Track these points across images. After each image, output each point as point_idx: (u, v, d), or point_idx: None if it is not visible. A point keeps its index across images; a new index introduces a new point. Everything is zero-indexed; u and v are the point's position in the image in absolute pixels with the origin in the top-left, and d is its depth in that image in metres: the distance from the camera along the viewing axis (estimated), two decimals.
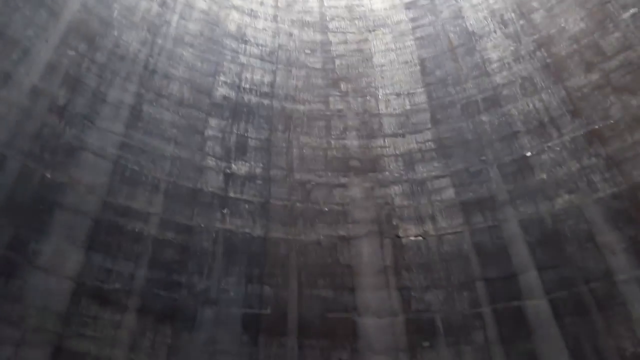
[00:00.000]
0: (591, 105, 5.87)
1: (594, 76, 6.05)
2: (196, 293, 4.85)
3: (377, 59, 7.95)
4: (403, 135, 6.91)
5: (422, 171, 6.43)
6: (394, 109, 7.27)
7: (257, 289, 5.13)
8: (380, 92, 7.51)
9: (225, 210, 5.60)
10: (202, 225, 5.36)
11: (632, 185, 5.10)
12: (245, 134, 6.48)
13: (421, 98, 7.26)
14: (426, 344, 4.93)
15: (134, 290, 4.55)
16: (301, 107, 7.16)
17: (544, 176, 5.69)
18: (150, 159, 5.52)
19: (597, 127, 5.67)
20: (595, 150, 5.54)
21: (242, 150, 6.28)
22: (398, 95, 7.42)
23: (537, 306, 4.86)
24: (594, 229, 5.06)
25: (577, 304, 4.72)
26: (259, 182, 6.05)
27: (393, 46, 8.04)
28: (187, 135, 6.00)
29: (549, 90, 6.32)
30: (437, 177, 6.30)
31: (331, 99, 7.38)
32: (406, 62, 7.74)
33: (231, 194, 5.79)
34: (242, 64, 7.27)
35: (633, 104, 5.53)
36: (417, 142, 6.79)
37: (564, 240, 5.15)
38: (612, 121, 5.60)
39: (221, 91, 6.76)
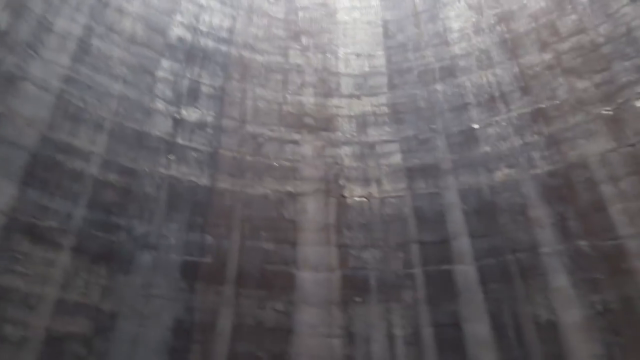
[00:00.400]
0: (541, 84, 6.05)
1: (547, 56, 6.21)
2: (135, 237, 4.82)
3: (341, 16, 7.83)
4: (359, 97, 6.93)
5: (373, 134, 6.51)
6: (353, 70, 7.24)
7: (199, 237, 5.15)
8: (341, 51, 7.44)
9: (171, 157, 5.52)
10: (147, 170, 5.28)
11: (567, 165, 5.35)
12: (199, 80, 6.32)
13: (380, 61, 7.26)
14: (359, 299, 5.14)
15: (70, 229, 4.47)
16: (259, 58, 7.02)
17: (488, 149, 5.89)
18: (96, 96, 5.32)
19: (543, 106, 5.87)
20: (539, 128, 5.75)
21: (193, 96, 6.14)
22: (358, 55, 7.38)
23: (466, 271, 5.13)
24: (527, 203, 5.32)
25: (503, 272, 5.01)
26: (209, 130, 5.97)
27: (358, 4, 7.93)
28: (136, 74, 5.79)
29: (504, 66, 6.45)
30: (387, 142, 6.40)
31: (291, 52, 7.26)
32: (369, 23, 7.67)
33: (179, 140, 5.69)
34: (200, 5, 7.00)
35: (579, 87, 5.73)
36: (372, 105, 6.82)
37: (498, 211, 5.41)
38: (557, 101, 5.80)
39: (176, 32, 6.53)
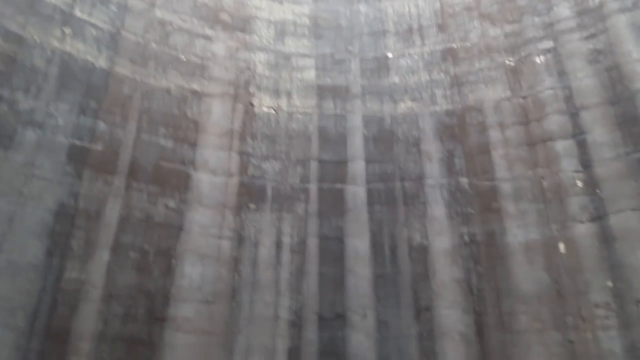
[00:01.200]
0: (457, 24, 6.23)
1: None
2: (18, 111, 4.39)
3: None
4: (281, 2, 6.64)
5: (290, 45, 6.36)
6: None
7: (91, 122, 4.83)
8: None
9: (67, 30, 4.98)
10: (37, 40, 4.73)
11: (465, 107, 5.71)
12: None
13: None
14: (253, 206, 5.26)
15: None
16: None
17: (397, 80, 6.06)
18: None
19: (455, 46, 6.09)
20: (446, 67, 6.00)
21: None
22: None
23: (356, 192, 5.43)
24: (422, 137, 5.66)
25: (388, 196, 5.39)
26: (112, 7, 5.42)
27: None
28: None
29: None
30: (303, 56, 6.30)
31: None
32: None
33: (77, 13, 5.11)
34: None
35: (490, 34, 5.99)
36: (293, 14, 6.60)
37: (395, 141, 5.70)
38: (468, 44, 6.04)
39: None
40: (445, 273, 4.90)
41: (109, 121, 4.95)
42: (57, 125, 4.59)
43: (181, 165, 5.19)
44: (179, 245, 4.77)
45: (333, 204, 5.37)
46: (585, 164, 4.79)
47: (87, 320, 4.09)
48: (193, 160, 5.28)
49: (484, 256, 4.88)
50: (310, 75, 6.18)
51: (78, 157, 4.61)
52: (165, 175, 5.05)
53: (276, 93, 6.00)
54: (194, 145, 5.36)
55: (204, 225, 4.95)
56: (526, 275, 4.62)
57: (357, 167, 5.55)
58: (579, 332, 4.26)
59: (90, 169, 4.65)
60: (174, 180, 5.07)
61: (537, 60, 5.53)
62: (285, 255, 5.06)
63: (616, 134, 4.75)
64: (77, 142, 4.66)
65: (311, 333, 4.72)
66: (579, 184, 4.74)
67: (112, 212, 4.59)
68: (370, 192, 5.41)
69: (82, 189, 4.51)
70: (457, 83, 5.82)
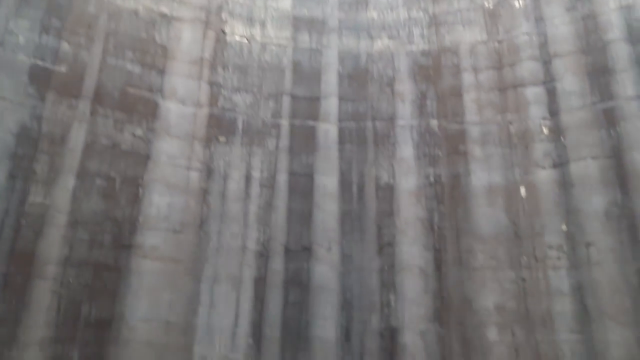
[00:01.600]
0: None
1: None
2: None
3: None
4: None
5: None
6: None
7: (54, 42, 4.59)
8: None
9: None
10: None
11: (440, 48, 5.66)
12: None
13: None
14: (223, 139, 5.20)
15: None
16: None
17: (375, 16, 5.92)
18: None
19: None
20: (425, 5, 5.88)
21: None
22: None
23: (328, 130, 5.42)
24: (397, 77, 5.62)
25: (359, 136, 5.42)
26: None
27: None
28: None
29: None
30: None
31: None
32: None
33: None
34: None
35: None
36: None
37: (369, 79, 5.66)
38: None
39: None
40: (409, 211, 5.04)
41: (73, 42, 4.72)
42: (17, 43, 4.35)
43: (148, 92, 5.04)
44: (146, 174, 4.72)
45: (304, 140, 5.36)
46: (553, 111, 4.90)
47: (53, 245, 4.08)
48: (161, 87, 5.12)
49: (447, 197, 5.03)
50: (286, 4, 5.95)
51: (41, 79, 4.41)
52: (132, 101, 4.90)
53: (249, 21, 5.79)
54: (162, 72, 5.19)
55: (172, 155, 4.88)
56: (486, 216, 4.81)
57: (330, 104, 5.50)
58: (532, 271, 4.53)
59: (54, 91, 4.47)
60: (141, 107, 4.94)
61: (516, 4, 5.48)
62: (255, 189, 5.09)
63: (585, 84, 4.84)
64: (40, 63, 4.45)
65: (277, 264, 4.85)
66: (545, 130, 4.86)
67: (77, 137, 4.48)
68: (341, 131, 5.41)
69: (46, 112, 4.36)
70: (435, 22, 5.74)
